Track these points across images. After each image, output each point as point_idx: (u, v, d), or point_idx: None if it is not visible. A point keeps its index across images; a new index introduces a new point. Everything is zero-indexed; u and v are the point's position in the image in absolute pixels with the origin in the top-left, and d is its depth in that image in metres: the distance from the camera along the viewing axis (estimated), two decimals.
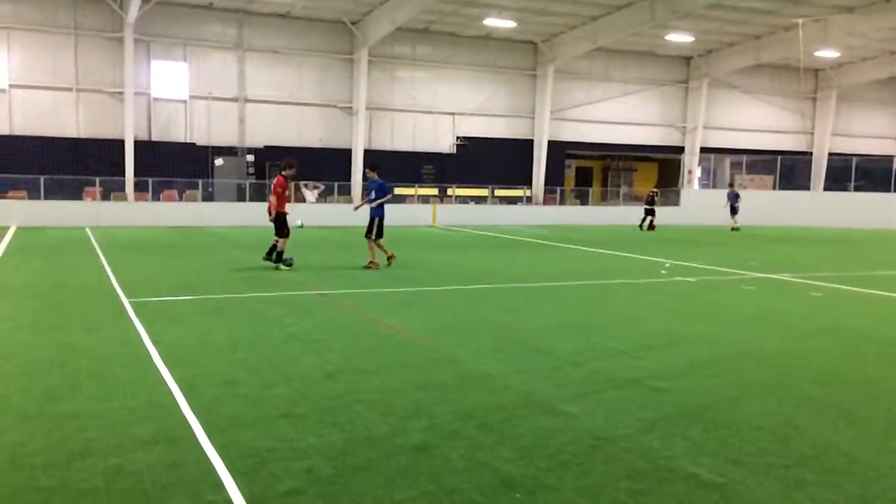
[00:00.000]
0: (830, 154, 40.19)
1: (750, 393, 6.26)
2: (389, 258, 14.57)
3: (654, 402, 5.92)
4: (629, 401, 5.93)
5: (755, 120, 40.40)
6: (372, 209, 14.47)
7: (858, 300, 11.81)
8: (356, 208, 14.79)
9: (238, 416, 5.30)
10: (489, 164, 35.02)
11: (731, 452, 4.81)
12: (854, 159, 36.76)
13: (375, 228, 14.40)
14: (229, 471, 4.30)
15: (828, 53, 36.09)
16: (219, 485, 4.13)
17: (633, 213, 34.49)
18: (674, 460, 4.65)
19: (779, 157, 37.31)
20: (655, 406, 5.80)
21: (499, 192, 35.12)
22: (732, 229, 28.90)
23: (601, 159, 42.87)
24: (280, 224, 13.96)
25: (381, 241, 14.47)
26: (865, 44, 35.19)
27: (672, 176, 40.23)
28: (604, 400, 5.94)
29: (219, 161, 30.55)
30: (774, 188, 37.03)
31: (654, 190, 31.12)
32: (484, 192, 34.68)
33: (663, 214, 31.70)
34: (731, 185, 31.65)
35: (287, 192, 14.46)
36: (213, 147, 30.88)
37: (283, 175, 14.14)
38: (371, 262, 14.27)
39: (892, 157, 38.41)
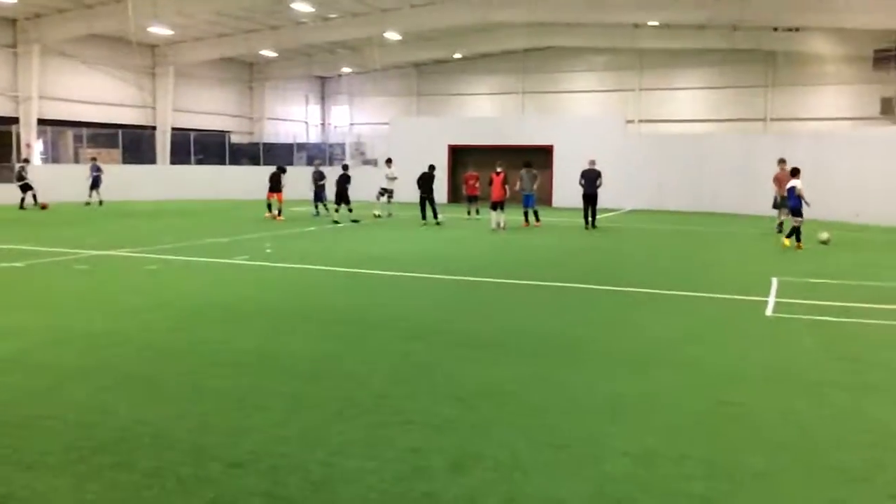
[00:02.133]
0: (173, 129, 41.65)
1: (66, 380, 5.93)
2: None
3: None
4: None
5: (97, 92, 39.12)
6: None
7: (190, 269, 12.45)
8: None
9: None
10: None
11: None
12: (192, 134, 38.84)
13: None
14: None
15: (161, 30, 37.03)
16: None
17: None
18: None
19: (120, 131, 37.11)
20: None
21: None
22: (86, 204, 28.85)
23: None
24: None
25: None
26: (195, 24, 37.22)
27: (7, 150, 36.31)
28: None
29: None
30: (121, 162, 36.74)
31: (22, 164, 28.43)
32: None
33: None
34: (94, 159, 31.12)
35: None
36: None
37: None
38: None
39: (225, 132, 41.85)
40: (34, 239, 16.37)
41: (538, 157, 31.18)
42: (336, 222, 21.40)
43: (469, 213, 24.16)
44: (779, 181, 20.13)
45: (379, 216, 23.72)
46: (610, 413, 5.36)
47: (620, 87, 44.15)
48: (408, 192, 24.42)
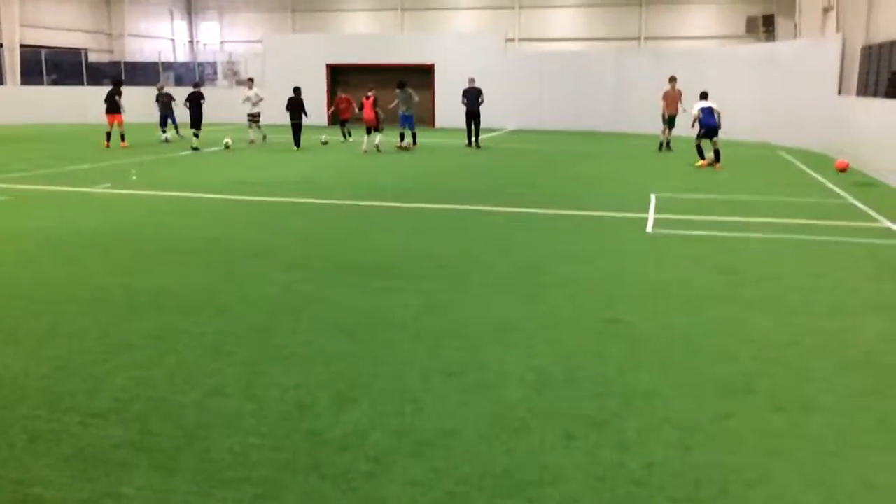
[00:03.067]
0: (22, 46, 38.01)
1: None
2: None
3: None
4: None
5: None
6: None
7: (44, 200, 11.41)
8: None
9: None
10: None
11: None
12: (43, 52, 35.67)
13: None
14: None
15: None
16: None
17: None
18: None
19: None
20: None
21: None
22: None
23: None
24: None
25: None
26: None
27: None
28: None
29: None
30: None
31: None
32: None
33: None
34: None
35: None
36: None
37: None
38: None
39: (82, 49, 38.60)
40: None
41: (419, 77, 30.56)
42: (195, 148, 19.40)
43: (345, 137, 23.03)
44: (667, 98, 20.29)
45: (252, 142, 21.58)
46: (501, 339, 5.24)
47: (500, 5, 43.68)
48: (279, 115, 22.96)
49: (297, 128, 20.39)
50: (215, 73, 40.44)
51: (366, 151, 19.01)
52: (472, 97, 21.28)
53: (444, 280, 6.82)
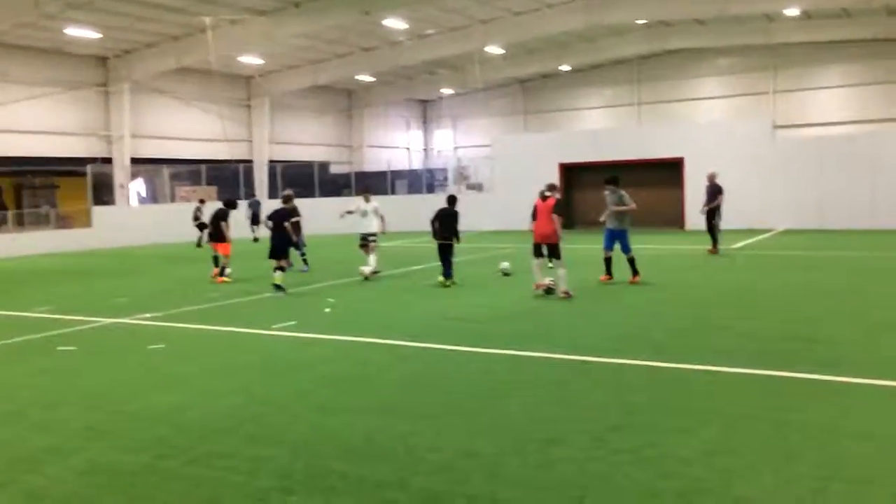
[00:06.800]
0: (271, 161, 39.79)
1: None
2: None
3: None
4: None
5: (190, 128, 37.73)
6: None
7: (202, 349, 9.15)
8: None
9: None
10: None
11: None
12: (278, 166, 36.74)
13: None
14: None
15: (252, 60, 35.29)
16: None
17: (52, 239, 28.92)
18: None
19: (204, 167, 35.40)
20: None
21: None
22: (255, 240, 28.50)
23: (13, 176, 35.56)
24: None
25: None
26: (287, 52, 35.24)
27: (111, 191, 35.25)
28: None
29: None
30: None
31: (198, 205, 28.07)
32: None
33: (60, 240, 27.51)
34: (253, 195, 31.24)
35: None
36: None
37: None
38: None
39: (313, 162, 38.81)
40: (49, 300, 13.67)
41: (665, 172, 26.91)
42: (279, 286, 13.49)
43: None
44: None
45: (367, 276, 15.06)
46: None
47: (751, 91, 39.20)
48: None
49: (445, 250, 14.00)
50: (446, 178, 39.56)
51: (537, 287, 12.24)
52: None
53: None
